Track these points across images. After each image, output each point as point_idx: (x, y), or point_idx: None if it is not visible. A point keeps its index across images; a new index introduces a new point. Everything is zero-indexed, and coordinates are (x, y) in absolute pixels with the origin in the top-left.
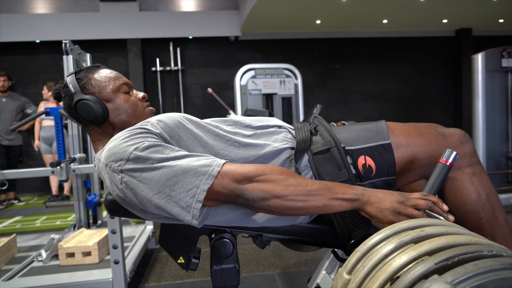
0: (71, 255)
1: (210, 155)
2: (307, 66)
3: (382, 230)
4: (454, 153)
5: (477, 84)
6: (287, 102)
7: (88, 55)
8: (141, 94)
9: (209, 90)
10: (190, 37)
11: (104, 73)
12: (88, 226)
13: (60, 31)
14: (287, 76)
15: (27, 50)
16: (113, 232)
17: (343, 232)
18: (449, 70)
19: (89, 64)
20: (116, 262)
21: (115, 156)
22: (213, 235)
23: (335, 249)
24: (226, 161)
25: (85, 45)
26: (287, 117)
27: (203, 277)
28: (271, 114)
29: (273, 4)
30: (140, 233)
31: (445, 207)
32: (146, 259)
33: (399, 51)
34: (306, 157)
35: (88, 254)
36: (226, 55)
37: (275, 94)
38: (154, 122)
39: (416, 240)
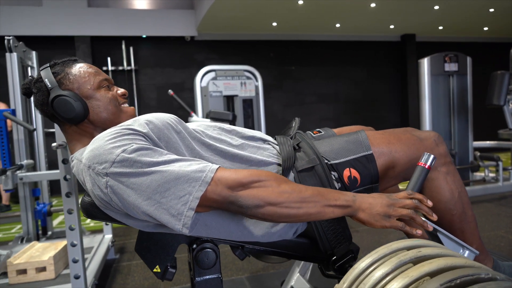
0: (22, 272)
1: (201, 160)
2: (264, 67)
3: (379, 248)
4: (432, 156)
5: (424, 87)
6: (248, 104)
7: (34, 52)
8: (121, 91)
9: (170, 92)
10: (144, 36)
11: (83, 68)
12: (38, 238)
13: None
14: (248, 78)
15: None
16: (73, 245)
17: (325, 248)
18: (396, 72)
19: (35, 62)
20: (77, 277)
21: (100, 157)
22: (194, 245)
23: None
24: (219, 166)
25: (27, 41)
26: (248, 119)
27: (170, 286)
28: (234, 116)
29: (230, 5)
30: (98, 243)
31: (430, 203)
32: (106, 270)
33: (350, 54)
34: (291, 174)
35: (42, 269)
36: (182, 56)
37: (236, 96)
38: (143, 122)
39: (415, 261)
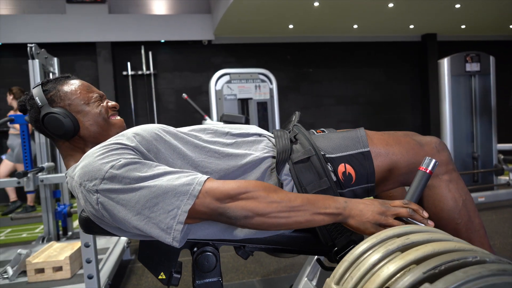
0: (40, 271)
1: (191, 171)
2: (281, 70)
3: (369, 238)
4: (434, 161)
5: (444, 88)
6: (263, 106)
7: (55, 59)
8: (111, 103)
9: (184, 95)
10: (162, 41)
11: (74, 84)
12: (58, 238)
13: (24, 33)
14: (262, 80)
15: None
16: (87, 245)
17: (326, 239)
18: (416, 73)
19: (56, 69)
20: (90, 277)
21: (90, 174)
22: (195, 249)
23: (319, 257)
24: (208, 178)
25: (51, 48)
26: (263, 121)
27: (181, 287)
28: (247, 120)
29: (246, 8)
30: (114, 244)
31: (426, 214)
32: (121, 271)
33: (369, 55)
34: (287, 166)
35: (59, 269)
36: (199, 59)
37: (251, 99)
38: (130, 135)
39: (403, 248)
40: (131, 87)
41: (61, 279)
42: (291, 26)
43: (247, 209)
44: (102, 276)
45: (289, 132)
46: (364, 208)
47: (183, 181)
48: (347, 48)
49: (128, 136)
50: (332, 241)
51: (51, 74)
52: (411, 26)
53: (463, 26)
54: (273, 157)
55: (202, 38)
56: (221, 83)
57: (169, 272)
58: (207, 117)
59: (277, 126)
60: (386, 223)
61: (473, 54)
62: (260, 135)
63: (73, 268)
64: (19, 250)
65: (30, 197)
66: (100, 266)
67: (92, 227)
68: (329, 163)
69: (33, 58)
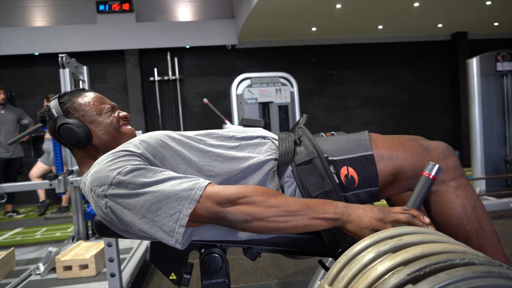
0: (68, 268)
1: (193, 176)
2: (305, 73)
3: (363, 239)
4: (437, 166)
5: (473, 89)
6: (284, 110)
7: (85, 67)
8: (122, 114)
9: (205, 100)
10: (187, 47)
11: (88, 97)
12: (87, 238)
13: (58, 44)
14: (283, 84)
15: (26, 63)
16: (109, 245)
17: (330, 241)
18: (446, 73)
19: (86, 77)
20: (113, 275)
21: (99, 181)
22: (202, 250)
23: (322, 259)
24: (209, 183)
25: (83, 56)
26: (284, 125)
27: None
28: (266, 123)
29: (268, 12)
30: (138, 245)
31: (427, 220)
32: (144, 270)
33: (395, 56)
34: (289, 168)
35: (85, 267)
36: (223, 64)
37: (271, 102)
38: (137, 143)
39: (394, 250)
40: (157, 92)
41: (87, 277)
42: (314, 29)
43: (246, 213)
44: (125, 275)
45: (294, 134)
46: (362, 214)
47: (185, 186)
48: (372, 49)
49: (135, 143)
50: (336, 243)
51: (80, 82)
52: (440, 25)
53: (496, 24)
54: (276, 159)
55: (226, 43)
56: (242, 87)
57: (179, 272)
58: (227, 121)
59: None
60: (383, 229)
61: (505, 53)
62: (264, 137)
63: (98, 266)
64: (50, 248)
65: (63, 199)
66: (123, 265)
67: (105, 230)
68: (332, 166)
69: (64, 67)
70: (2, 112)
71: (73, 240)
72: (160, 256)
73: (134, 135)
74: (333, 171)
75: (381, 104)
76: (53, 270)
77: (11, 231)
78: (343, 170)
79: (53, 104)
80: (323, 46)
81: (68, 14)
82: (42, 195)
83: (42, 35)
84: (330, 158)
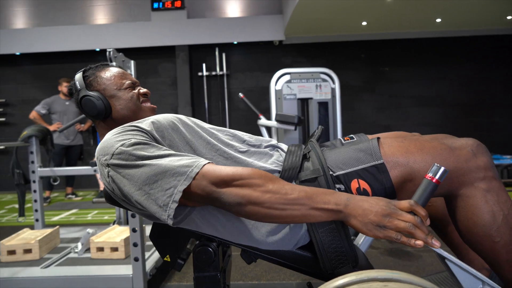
0: (100, 249)
1: (195, 156)
2: (354, 69)
3: (349, 275)
4: (443, 168)
5: None
6: (324, 107)
7: (132, 62)
8: (142, 90)
9: (240, 95)
10: (235, 42)
11: (110, 71)
12: (127, 223)
13: (117, 40)
14: (324, 80)
15: (87, 58)
16: (134, 230)
17: (326, 267)
18: None
19: (133, 71)
20: (136, 260)
21: (104, 150)
22: (197, 242)
23: (312, 283)
24: (209, 162)
25: (138, 52)
26: (324, 123)
27: (233, 280)
28: (300, 119)
29: (315, 7)
30: None
31: (428, 222)
32: (169, 263)
33: (456, 51)
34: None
35: (115, 249)
36: (270, 60)
37: (311, 98)
38: (149, 121)
39: None
40: (205, 87)
41: (117, 259)
42: (364, 23)
43: (240, 196)
44: (151, 260)
45: (305, 148)
46: (367, 208)
47: (183, 163)
48: (428, 44)
49: (147, 121)
50: (331, 270)
51: (132, 77)
52: (509, 17)
53: None
54: (280, 172)
55: (273, 38)
56: (281, 82)
57: (174, 256)
58: (261, 116)
59: (339, 127)
60: (391, 226)
61: None
62: (274, 147)
63: (127, 250)
64: (88, 230)
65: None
66: (150, 253)
67: (111, 198)
68: (338, 183)
69: (111, 61)
70: (67, 103)
71: (113, 223)
72: (159, 235)
73: (154, 112)
74: (342, 188)
75: (438, 104)
76: (89, 250)
77: (68, 211)
78: (354, 183)
79: (78, 77)
80: (374, 42)
81: (126, 12)
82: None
83: (102, 32)
84: (337, 172)
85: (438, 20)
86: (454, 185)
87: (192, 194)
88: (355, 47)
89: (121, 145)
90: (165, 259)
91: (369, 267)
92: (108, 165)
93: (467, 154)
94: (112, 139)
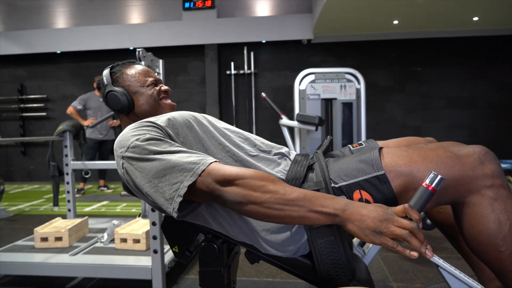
0: (124, 240)
1: (205, 154)
2: (383, 69)
3: None
4: (439, 177)
5: None
6: (348, 107)
7: (160, 61)
8: (164, 88)
9: (263, 94)
10: (264, 41)
11: (135, 69)
12: None
13: (149, 39)
14: (349, 80)
15: (121, 56)
16: (154, 224)
17: (323, 277)
18: None
19: (161, 70)
20: (155, 252)
21: (120, 143)
22: (204, 237)
23: None
24: (215, 161)
25: (169, 50)
26: (347, 124)
27: (248, 277)
28: (321, 120)
29: (344, 5)
30: None
31: (420, 225)
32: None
33: (493, 51)
34: None
35: (137, 241)
36: (298, 59)
37: (335, 99)
38: (165, 118)
39: None
40: (233, 85)
41: (139, 250)
42: (396, 22)
43: (241, 195)
44: (170, 253)
45: (311, 158)
46: (365, 214)
47: (191, 160)
48: (464, 43)
49: (163, 118)
50: (328, 281)
51: (156, 74)
52: None
53: None
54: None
55: (302, 37)
56: (305, 82)
57: (182, 248)
58: (283, 116)
59: (363, 128)
60: (388, 232)
61: None
62: (283, 155)
63: (148, 242)
64: (113, 221)
65: None
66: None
67: (128, 188)
68: (342, 194)
69: (140, 61)
70: (101, 99)
71: (139, 216)
72: (170, 226)
73: (173, 109)
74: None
75: (472, 105)
76: (113, 240)
77: (99, 203)
78: (356, 194)
79: (105, 73)
80: (405, 41)
81: (159, 12)
82: None
83: (136, 31)
84: (339, 184)
85: (475, 18)
86: (460, 193)
87: (197, 190)
88: (385, 46)
89: (136, 140)
90: (174, 249)
91: (368, 280)
92: (123, 157)
93: (473, 161)
94: (129, 133)
